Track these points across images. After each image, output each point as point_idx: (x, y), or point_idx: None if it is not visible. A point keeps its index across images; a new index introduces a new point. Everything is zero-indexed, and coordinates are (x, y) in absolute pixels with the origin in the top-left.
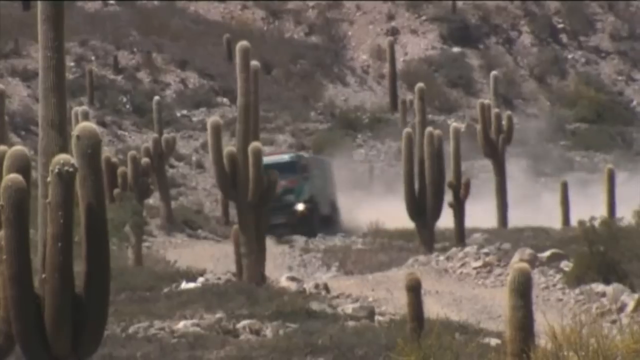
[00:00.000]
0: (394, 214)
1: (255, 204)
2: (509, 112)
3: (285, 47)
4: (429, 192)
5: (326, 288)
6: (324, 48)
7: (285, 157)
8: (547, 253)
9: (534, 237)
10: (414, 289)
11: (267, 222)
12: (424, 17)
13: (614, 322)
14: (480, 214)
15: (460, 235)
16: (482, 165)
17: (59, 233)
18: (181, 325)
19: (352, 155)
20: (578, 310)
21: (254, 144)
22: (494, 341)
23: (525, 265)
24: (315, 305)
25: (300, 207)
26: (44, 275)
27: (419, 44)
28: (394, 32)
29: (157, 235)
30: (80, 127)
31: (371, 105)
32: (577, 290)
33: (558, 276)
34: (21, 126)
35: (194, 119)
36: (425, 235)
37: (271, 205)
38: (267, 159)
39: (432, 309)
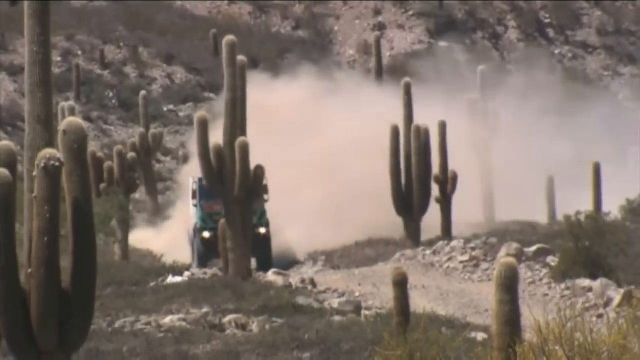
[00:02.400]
0: None
1: (242, 198)
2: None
3: (272, 42)
4: (416, 186)
5: (312, 283)
6: (311, 43)
7: None
8: (534, 248)
9: (520, 232)
10: (401, 284)
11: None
12: (410, 12)
13: (600, 316)
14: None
15: (447, 229)
16: None
17: (45, 227)
18: (167, 319)
19: None
20: (563, 305)
21: (241, 139)
22: (480, 336)
23: (512, 260)
24: (301, 300)
25: (262, 230)
26: (30, 270)
27: (406, 38)
28: (380, 27)
29: (143, 229)
30: (67, 122)
31: None
32: (563, 285)
33: (544, 271)
34: (7, 121)
35: (181, 113)
36: (411, 230)
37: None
38: None
39: (419, 303)
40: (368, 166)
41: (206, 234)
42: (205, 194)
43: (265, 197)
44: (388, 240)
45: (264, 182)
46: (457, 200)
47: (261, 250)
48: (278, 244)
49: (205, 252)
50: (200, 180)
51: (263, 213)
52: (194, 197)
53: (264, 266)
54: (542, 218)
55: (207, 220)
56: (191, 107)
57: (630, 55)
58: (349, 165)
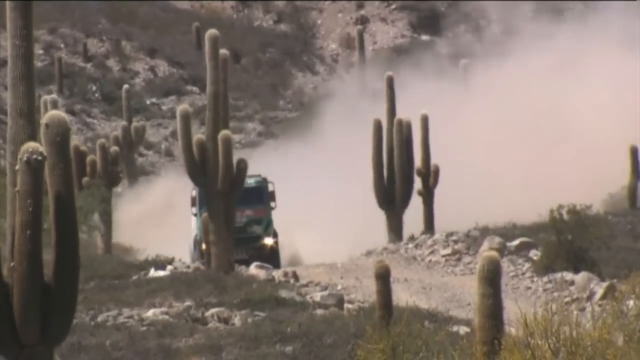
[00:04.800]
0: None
1: (225, 191)
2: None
3: (255, 35)
4: (398, 180)
5: (295, 276)
6: (293, 36)
7: (251, 182)
8: (516, 242)
9: (502, 226)
10: (383, 277)
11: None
12: (393, 6)
13: (582, 309)
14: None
15: (430, 223)
16: None
17: (28, 221)
18: (150, 313)
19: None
20: (547, 299)
21: (224, 132)
22: (463, 329)
23: (494, 253)
24: (284, 293)
25: (268, 241)
26: (12, 264)
27: (388, 32)
28: (363, 21)
29: (127, 223)
30: (49, 115)
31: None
32: (545, 279)
33: (527, 265)
34: None
35: (164, 107)
36: (394, 223)
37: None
38: None
39: (401, 296)
40: None
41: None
42: (206, 202)
43: (272, 204)
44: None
45: (271, 188)
46: (439, 193)
47: (269, 262)
48: None
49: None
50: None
51: (269, 222)
52: (193, 204)
53: None
54: (524, 211)
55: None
56: (174, 100)
57: None
58: None
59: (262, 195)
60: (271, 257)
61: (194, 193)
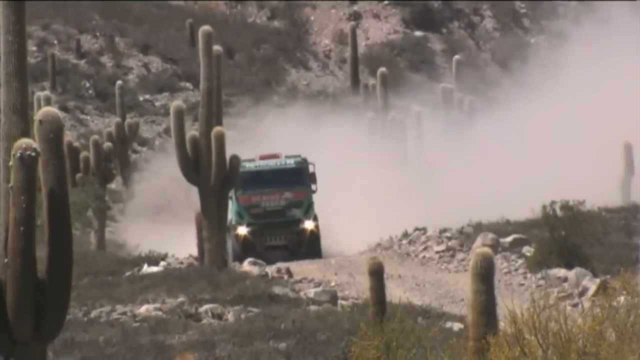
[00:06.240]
0: None
1: (218, 188)
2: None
3: (248, 31)
4: None
5: (289, 272)
6: (287, 33)
7: (290, 163)
8: (510, 238)
9: (496, 222)
10: (377, 273)
11: (265, 243)
12: (386, 2)
13: (575, 306)
14: None
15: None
16: None
17: (21, 217)
18: (143, 309)
19: None
20: (538, 295)
21: (217, 129)
22: (456, 325)
23: (487, 250)
24: (277, 290)
25: (309, 225)
26: (6, 260)
27: (381, 28)
28: (356, 17)
29: (120, 220)
30: (43, 111)
31: (333, 90)
32: (539, 275)
33: (520, 261)
34: None
35: (157, 103)
36: None
37: (269, 223)
38: (262, 164)
39: (395, 293)
40: None
41: (242, 230)
42: (242, 183)
43: (313, 187)
44: None
45: (311, 169)
46: (433, 189)
47: (308, 249)
48: None
49: (242, 252)
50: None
51: (310, 205)
52: None
53: None
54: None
55: (243, 214)
56: (167, 96)
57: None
58: None
59: (302, 176)
60: (311, 242)
61: None
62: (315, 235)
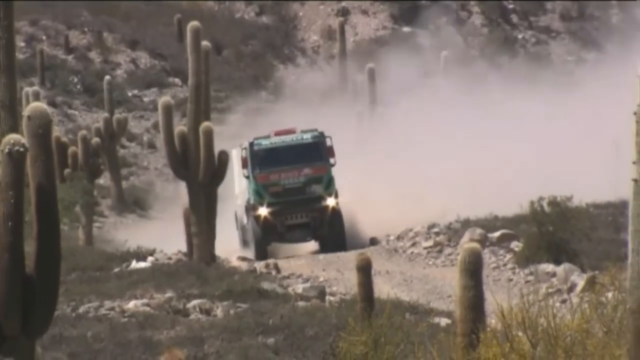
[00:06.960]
0: None
1: (206, 183)
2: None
3: (236, 27)
4: None
5: (277, 268)
6: (275, 28)
7: (307, 137)
8: (498, 233)
9: (483, 218)
10: (365, 269)
11: (285, 222)
12: None
13: (564, 301)
14: None
15: None
16: None
17: (9, 213)
18: (131, 304)
19: None
20: (527, 291)
21: (205, 124)
22: (444, 321)
23: (475, 245)
24: (266, 285)
25: (331, 201)
26: None
27: (370, 24)
28: (344, 13)
29: (108, 215)
30: (31, 107)
31: (322, 85)
32: (527, 270)
33: (508, 256)
34: None
35: (145, 99)
36: None
37: (289, 201)
38: (278, 140)
39: (383, 288)
40: None
41: (263, 211)
42: (259, 161)
43: (332, 160)
44: None
45: (329, 143)
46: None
47: (331, 227)
48: None
49: (263, 235)
50: (251, 145)
51: (330, 181)
52: (244, 166)
53: (336, 247)
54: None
55: (262, 193)
56: (155, 92)
57: (594, 41)
58: None
59: (320, 151)
60: (333, 220)
61: (244, 153)
62: (337, 213)
